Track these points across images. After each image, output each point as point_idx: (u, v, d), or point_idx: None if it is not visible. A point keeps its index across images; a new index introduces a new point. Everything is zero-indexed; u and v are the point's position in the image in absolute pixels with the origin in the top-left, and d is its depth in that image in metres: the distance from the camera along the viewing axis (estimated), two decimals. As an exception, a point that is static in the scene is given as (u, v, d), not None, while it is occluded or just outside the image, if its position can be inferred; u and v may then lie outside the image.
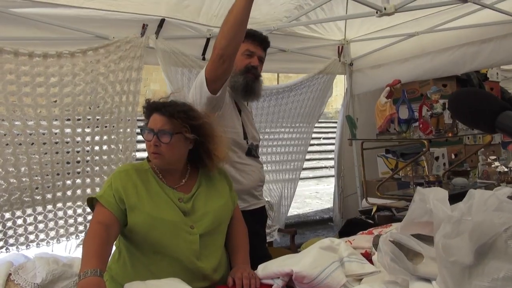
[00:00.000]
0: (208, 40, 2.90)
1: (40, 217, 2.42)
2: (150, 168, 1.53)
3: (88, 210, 2.58)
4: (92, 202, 1.46)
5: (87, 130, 2.48)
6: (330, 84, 3.86)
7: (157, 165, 1.53)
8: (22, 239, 2.37)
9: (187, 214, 1.49)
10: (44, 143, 2.34)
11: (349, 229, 2.61)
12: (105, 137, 2.55)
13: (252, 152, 2.06)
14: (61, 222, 2.51)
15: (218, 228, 1.56)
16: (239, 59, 1.95)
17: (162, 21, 2.64)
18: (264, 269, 1.39)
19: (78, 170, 2.48)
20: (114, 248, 1.52)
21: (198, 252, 1.45)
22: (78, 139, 2.45)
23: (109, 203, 1.41)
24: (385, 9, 2.30)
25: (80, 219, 2.59)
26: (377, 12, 2.33)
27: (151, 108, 1.51)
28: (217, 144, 1.57)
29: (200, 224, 1.48)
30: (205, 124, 1.55)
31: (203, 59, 2.91)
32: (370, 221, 2.60)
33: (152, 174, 1.52)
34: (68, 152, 2.43)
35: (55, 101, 2.33)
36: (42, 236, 2.44)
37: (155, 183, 1.50)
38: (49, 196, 2.40)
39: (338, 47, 3.74)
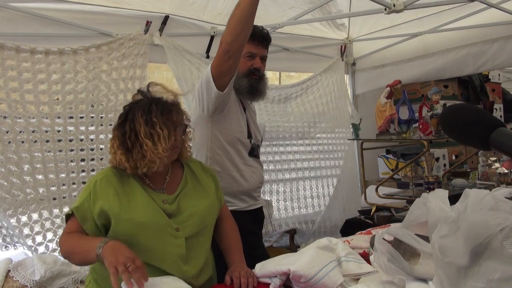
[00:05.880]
0: (212, 38, 2.89)
1: (47, 224, 2.32)
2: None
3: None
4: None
5: (91, 128, 2.44)
6: (342, 83, 3.78)
7: (173, 160, 1.51)
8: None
9: (172, 216, 1.44)
10: (47, 141, 2.29)
11: (348, 229, 2.60)
12: (110, 136, 2.49)
13: (254, 152, 2.06)
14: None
15: (204, 230, 1.52)
16: (241, 61, 1.89)
17: (166, 18, 2.63)
18: (262, 268, 1.39)
19: (83, 169, 2.44)
20: None
21: (185, 255, 1.42)
22: (82, 137, 2.41)
23: (84, 220, 1.38)
24: (394, 5, 2.27)
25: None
26: (385, 9, 2.30)
27: (165, 106, 1.48)
28: (188, 136, 1.59)
29: (186, 225, 1.45)
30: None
31: (207, 57, 2.90)
32: (369, 221, 2.59)
33: (134, 176, 1.46)
34: (72, 150, 2.38)
35: (57, 99, 2.31)
36: (53, 246, 2.33)
37: (138, 185, 1.45)
38: (54, 198, 2.33)
39: (341, 46, 3.73)
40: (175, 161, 1.58)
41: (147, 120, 1.41)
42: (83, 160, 2.44)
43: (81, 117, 2.41)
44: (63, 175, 2.36)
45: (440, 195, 0.99)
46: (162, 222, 1.41)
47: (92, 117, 2.45)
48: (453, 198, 0.98)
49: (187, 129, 1.57)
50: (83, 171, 2.44)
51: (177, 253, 1.41)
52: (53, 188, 2.33)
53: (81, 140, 2.42)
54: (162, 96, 1.52)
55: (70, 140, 2.39)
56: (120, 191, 1.41)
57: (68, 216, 1.43)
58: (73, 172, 2.40)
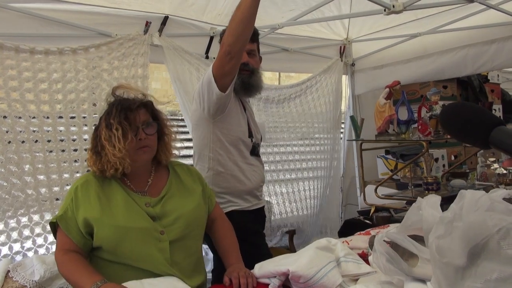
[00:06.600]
0: (211, 38, 2.89)
1: (49, 227, 2.29)
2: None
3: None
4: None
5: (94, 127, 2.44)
6: (339, 84, 3.79)
7: (145, 160, 1.48)
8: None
9: (156, 219, 1.43)
10: (49, 141, 2.26)
11: (347, 229, 2.61)
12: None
13: (255, 150, 2.06)
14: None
15: (190, 234, 1.49)
16: None
17: (166, 18, 2.64)
18: (261, 269, 1.39)
19: (88, 169, 2.42)
20: None
21: (169, 260, 1.40)
22: (86, 136, 2.38)
23: (69, 229, 1.37)
24: (393, 6, 2.27)
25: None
26: (385, 10, 2.31)
27: (125, 105, 1.44)
28: (170, 136, 1.56)
29: (171, 229, 1.43)
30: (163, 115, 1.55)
31: (207, 57, 2.91)
32: (368, 221, 2.59)
33: (115, 180, 1.46)
34: (75, 150, 2.36)
35: (58, 98, 2.29)
36: (53, 248, 2.25)
37: (120, 189, 1.44)
38: (57, 199, 2.29)
39: (340, 47, 3.74)
40: (158, 164, 1.56)
41: (107, 123, 1.41)
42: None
43: (84, 117, 2.39)
44: (66, 175, 2.34)
45: (432, 201, 1.00)
46: (146, 225, 1.40)
47: (95, 115, 2.42)
48: (450, 199, 0.99)
49: (168, 129, 1.55)
50: (88, 170, 2.40)
51: (162, 256, 1.40)
52: (56, 189, 2.31)
53: (85, 140, 2.39)
54: (129, 96, 1.49)
55: (73, 140, 2.37)
56: (101, 195, 1.41)
57: (53, 224, 1.43)
58: (77, 172, 2.37)
